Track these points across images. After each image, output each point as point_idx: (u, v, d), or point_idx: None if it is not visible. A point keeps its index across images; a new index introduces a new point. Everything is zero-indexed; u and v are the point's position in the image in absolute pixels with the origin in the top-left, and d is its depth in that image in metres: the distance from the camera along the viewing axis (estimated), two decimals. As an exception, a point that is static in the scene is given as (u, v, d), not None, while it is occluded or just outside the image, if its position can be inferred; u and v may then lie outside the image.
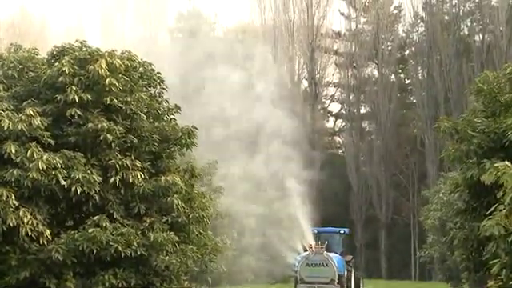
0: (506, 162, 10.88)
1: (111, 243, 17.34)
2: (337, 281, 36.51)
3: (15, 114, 17.49)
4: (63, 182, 17.22)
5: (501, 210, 10.79)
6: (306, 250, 38.00)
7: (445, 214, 31.37)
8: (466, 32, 66.86)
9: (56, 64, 18.49)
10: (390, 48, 70.99)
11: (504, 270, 11.13)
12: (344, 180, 66.76)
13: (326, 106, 75.14)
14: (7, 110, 17.62)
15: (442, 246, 33.29)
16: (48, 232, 17.18)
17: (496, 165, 11.01)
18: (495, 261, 11.25)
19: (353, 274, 39.73)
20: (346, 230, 42.70)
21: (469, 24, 66.90)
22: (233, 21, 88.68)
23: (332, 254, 37.84)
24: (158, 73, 19.92)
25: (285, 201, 46.64)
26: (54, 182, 17.18)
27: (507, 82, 18.53)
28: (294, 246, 40.98)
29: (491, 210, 11.22)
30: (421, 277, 59.15)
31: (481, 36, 65.50)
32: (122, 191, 18.17)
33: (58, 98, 18.17)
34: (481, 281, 19.11)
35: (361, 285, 41.21)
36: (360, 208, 66.75)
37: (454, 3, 67.11)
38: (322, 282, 36.13)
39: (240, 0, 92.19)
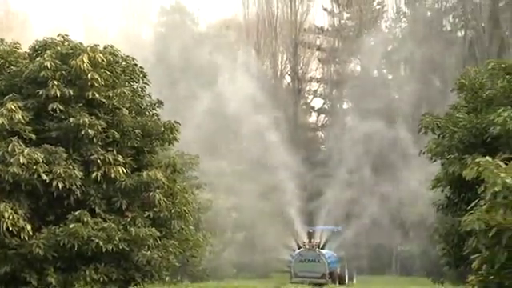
0: (488, 158, 10.90)
1: (92, 238, 17.39)
2: (328, 276, 38.88)
3: (-4, 109, 17.44)
4: (44, 177, 17.23)
5: (481, 206, 10.86)
6: (300, 247, 40.20)
7: (426, 210, 31.56)
8: (449, 28, 67.20)
9: (38, 59, 18.48)
10: (372, 43, 71.16)
11: (484, 265, 11.16)
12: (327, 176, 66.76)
13: (308, 101, 75.28)
14: (-12, 104, 17.58)
15: (423, 241, 33.55)
16: (29, 227, 17.16)
17: (477, 160, 10.99)
18: (476, 255, 11.32)
19: (346, 270, 42.32)
20: (339, 228, 45.22)
21: (451, 20, 67.24)
22: (216, 16, 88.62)
23: (325, 251, 40.34)
24: (141, 67, 19.94)
25: (268, 196, 46.99)
26: (36, 176, 17.20)
27: (489, 78, 18.61)
28: (278, 242, 42.17)
29: (472, 205, 11.30)
30: (402, 272, 59.39)
31: (463, 32, 65.88)
32: (104, 186, 18.19)
33: (40, 93, 18.17)
34: (461, 275, 19.20)
35: (354, 279, 43.41)
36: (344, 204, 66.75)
37: (436, -1, 67.59)
38: (314, 276, 38.40)
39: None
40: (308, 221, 45.80)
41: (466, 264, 16.16)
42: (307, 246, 39.75)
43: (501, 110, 16.35)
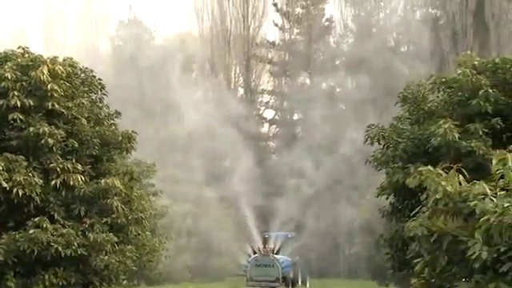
0: (429, 167, 11.06)
1: (52, 243, 17.76)
2: (282, 279, 40.10)
3: (-43, 118, 17.76)
4: (5, 185, 17.55)
5: (424, 212, 11.06)
6: (255, 253, 41.41)
7: (372, 215, 32.30)
8: (393, 43, 68.90)
9: (-2, 70, 18.86)
10: (321, 58, 72.32)
11: (426, 269, 11.30)
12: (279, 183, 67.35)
13: (260, 112, 76.00)
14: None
15: (369, 246, 34.28)
16: (-11, 233, 17.52)
17: (420, 169, 11.03)
18: (418, 259, 11.35)
19: (299, 274, 43.43)
20: (293, 233, 46.43)
21: (395, 36, 69.00)
22: (172, 30, 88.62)
23: (279, 256, 41.57)
24: (99, 79, 20.41)
25: (222, 202, 47.65)
26: (-4, 184, 17.49)
27: (430, 91, 19.31)
28: (233, 247, 43.16)
29: (415, 211, 11.38)
30: (349, 275, 60.21)
31: (406, 47, 67.84)
32: (63, 193, 18.56)
33: (1, 103, 18.51)
34: (405, 279, 19.68)
35: (307, 283, 44.37)
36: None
37: (381, 16, 69.36)
38: (269, 280, 39.69)
39: (179, 9, 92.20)
40: (263, 227, 46.73)
41: (409, 267, 16.28)
42: (262, 252, 40.93)
43: (441, 122, 17.02)
